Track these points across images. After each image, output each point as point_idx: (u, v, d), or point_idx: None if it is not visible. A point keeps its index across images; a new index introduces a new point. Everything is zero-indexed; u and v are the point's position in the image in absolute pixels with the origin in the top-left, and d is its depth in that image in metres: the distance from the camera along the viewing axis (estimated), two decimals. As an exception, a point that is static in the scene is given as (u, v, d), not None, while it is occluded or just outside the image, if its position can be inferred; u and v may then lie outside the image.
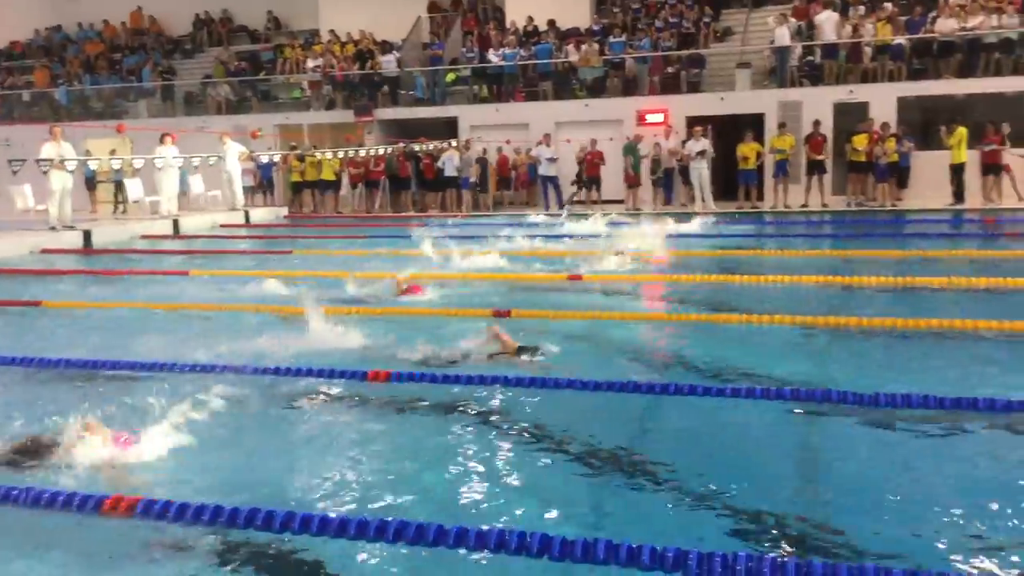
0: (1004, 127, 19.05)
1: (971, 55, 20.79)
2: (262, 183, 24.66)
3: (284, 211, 23.19)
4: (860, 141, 20.15)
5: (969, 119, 20.38)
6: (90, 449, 5.11)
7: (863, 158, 20.16)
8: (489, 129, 23.90)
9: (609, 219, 16.82)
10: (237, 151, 20.96)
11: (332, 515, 4.24)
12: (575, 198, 22.03)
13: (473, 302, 9.89)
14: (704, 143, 20.84)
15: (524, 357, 7.16)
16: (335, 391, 6.62)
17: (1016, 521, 4.16)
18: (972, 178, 19.50)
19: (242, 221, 20.79)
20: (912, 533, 4.08)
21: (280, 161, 24.02)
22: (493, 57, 25.02)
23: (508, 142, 23.35)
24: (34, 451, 5.29)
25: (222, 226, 19.95)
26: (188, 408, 5.58)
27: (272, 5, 32.81)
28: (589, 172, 22.21)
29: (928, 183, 20.11)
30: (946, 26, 20.89)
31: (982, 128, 19.54)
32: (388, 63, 26.27)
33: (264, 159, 22.86)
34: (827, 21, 21.98)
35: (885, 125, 20.20)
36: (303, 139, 25.76)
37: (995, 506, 4.29)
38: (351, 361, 7.21)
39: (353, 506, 4.52)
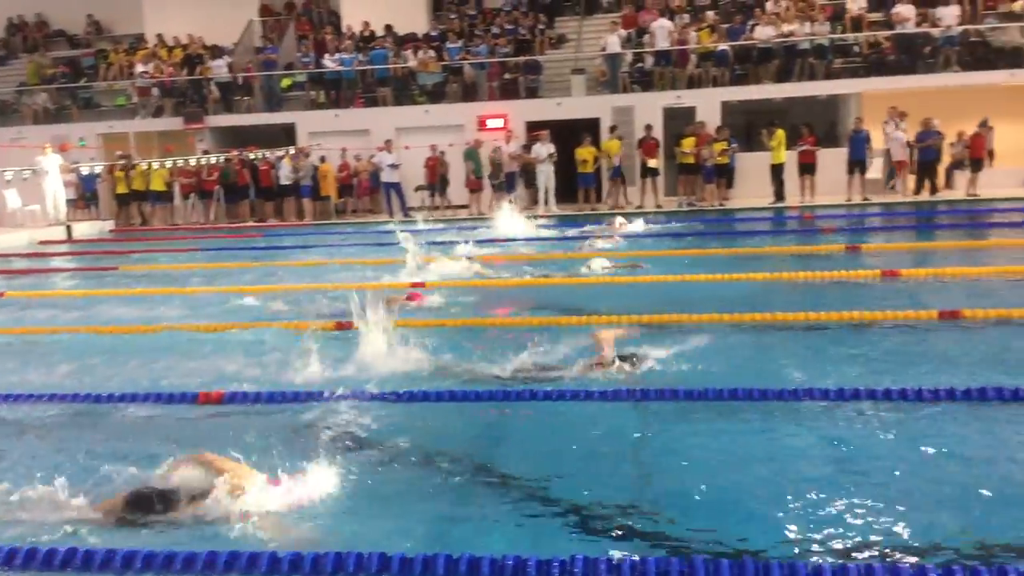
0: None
1: (787, 61, 22.04)
2: (84, 195, 23.30)
3: (110, 225, 21.99)
4: (688, 144, 21.01)
5: (787, 122, 21.65)
6: (239, 497, 4.42)
7: (692, 160, 21.03)
8: (329, 136, 23.47)
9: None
10: (58, 163, 19.76)
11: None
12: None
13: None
14: (550, 147, 21.27)
15: (625, 366, 6.70)
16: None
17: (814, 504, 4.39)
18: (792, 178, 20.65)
19: (63, 236, 19.58)
20: (745, 523, 4.22)
21: (104, 172, 22.76)
22: (329, 62, 24.59)
23: (344, 149, 22.95)
24: (149, 504, 4.50)
25: (41, 243, 18.73)
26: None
27: (92, 8, 31.05)
28: (431, 178, 22.19)
29: (752, 183, 21.17)
30: (764, 33, 22.06)
31: (799, 130, 20.77)
32: (219, 68, 25.38)
33: (85, 170, 21.60)
34: (660, 29, 22.79)
35: (720, 129, 21.12)
36: (129, 148, 24.50)
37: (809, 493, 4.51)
38: (445, 380, 6.79)
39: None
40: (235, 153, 22.88)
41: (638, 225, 16.58)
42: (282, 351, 7.92)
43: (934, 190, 20.12)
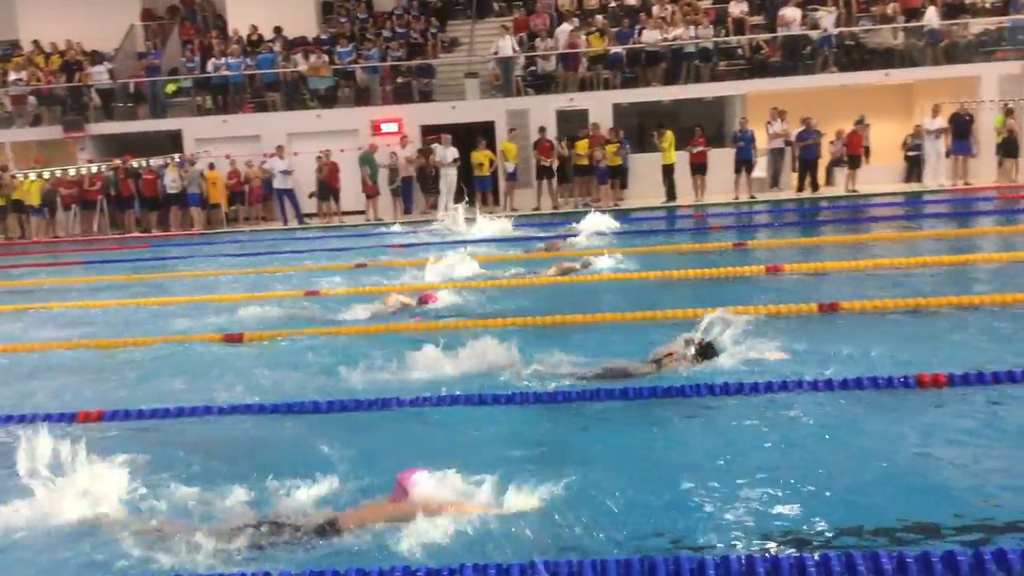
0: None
1: (675, 64, 22.55)
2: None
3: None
4: (582, 146, 21.29)
5: (676, 123, 22.17)
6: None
7: (586, 162, 21.33)
8: (217, 142, 22.85)
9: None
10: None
11: None
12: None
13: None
14: (454, 150, 21.27)
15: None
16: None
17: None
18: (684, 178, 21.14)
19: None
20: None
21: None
22: (216, 67, 23.97)
23: (228, 156, 22.40)
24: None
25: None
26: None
27: (-40, 12, 29.48)
28: (328, 183, 21.85)
29: (645, 183, 21.59)
30: (651, 37, 22.52)
31: (689, 131, 21.29)
32: (99, 74, 24.44)
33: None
34: (562, 33, 22.99)
35: (613, 131, 21.44)
36: (5, 159, 23.37)
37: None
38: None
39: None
40: (118, 162, 22.07)
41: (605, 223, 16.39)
42: (173, 365, 7.70)
43: (816, 187, 20.90)
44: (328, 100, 23.55)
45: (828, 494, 4.52)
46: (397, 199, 22.12)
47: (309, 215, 22.24)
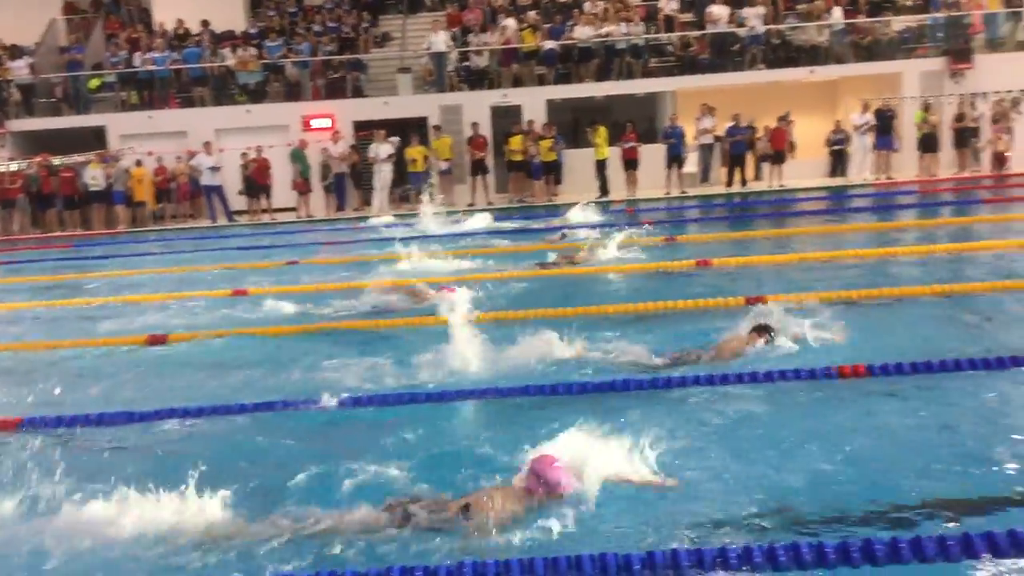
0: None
1: (607, 60, 22.71)
2: None
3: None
4: (516, 142, 21.32)
5: (609, 119, 22.34)
6: None
7: (520, 157, 21.37)
8: (143, 138, 22.31)
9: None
10: None
11: None
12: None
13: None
14: (390, 147, 21.10)
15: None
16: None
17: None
18: (617, 173, 21.32)
19: None
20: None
21: None
22: (141, 61, 23.39)
23: (150, 153, 21.90)
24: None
25: None
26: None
27: None
28: (258, 180, 21.51)
29: (579, 179, 21.72)
30: (583, 33, 22.64)
31: (622, 127, 21.46)
32: (19, 69, 23.65)
33: None
34: (508, 28, 22.93)
35: (547, 126, 21.50)
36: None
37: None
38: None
39: None
40: (39, 159, 21.41)
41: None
42: (95, 369, 7.50)
43: (744, 182, 21.26)
44: (257, 95, 23.17)
45: (744, 485, 4.59)
46: (330, 196, 21.88)
47: (239, 212, 21.86)
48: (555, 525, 4.12)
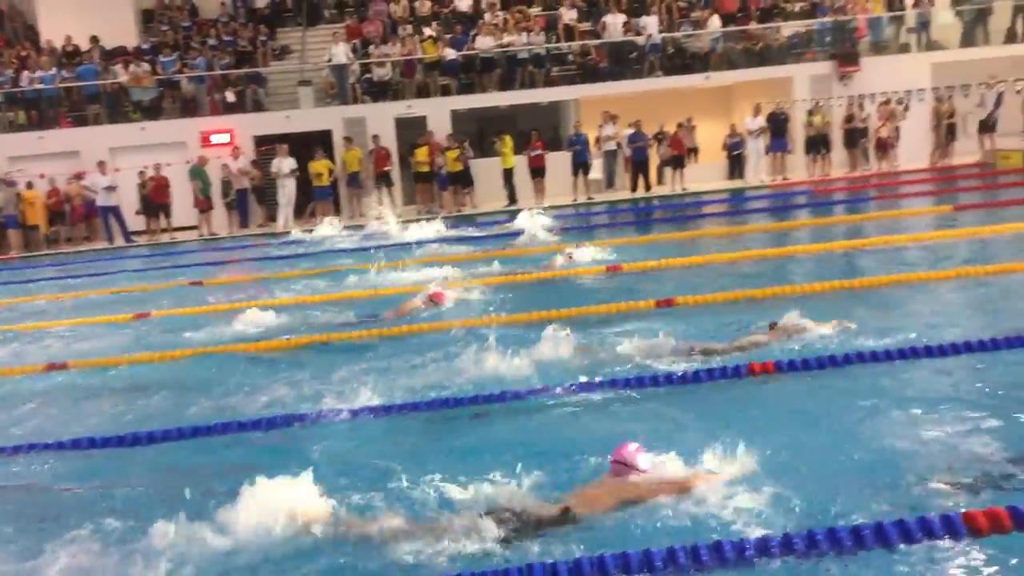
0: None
1: (509, 70, 22.87)
2: None
3: None
4: (422, 153, 21.26)
5: (514, 128, 22.48)
6: None
7: (426, 168, 21.31)
8: (33, 160, 21.41)
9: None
10: None
11: None
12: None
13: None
14: (292, 161, 20.79)
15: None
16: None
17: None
18: (524, 182, 21.45)
19: None
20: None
21: None
22: (28, 80, 22.47)
23: (42, 176, 21.08)
24: None
25: None
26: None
27: None
28: (156, 198, 20.90)
29: (487, 188, 21.78)
30: (485, 43, 22.75)
31: (527, 136, 21.62)
32: None
33: None
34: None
35: (451, 136, 21.50)
36: None
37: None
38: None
39: None
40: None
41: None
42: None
43: (648, 187, 21.66)
44: (153, 112, 22.51)
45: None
46: (232, 212, 21.40)
47: (137, 233, 21.19)
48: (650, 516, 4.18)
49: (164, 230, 21.07)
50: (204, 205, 21.02)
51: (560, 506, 4.26)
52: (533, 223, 15.48)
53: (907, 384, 5.96)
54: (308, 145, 21.36)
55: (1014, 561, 3.68)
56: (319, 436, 5.80)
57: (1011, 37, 23.41)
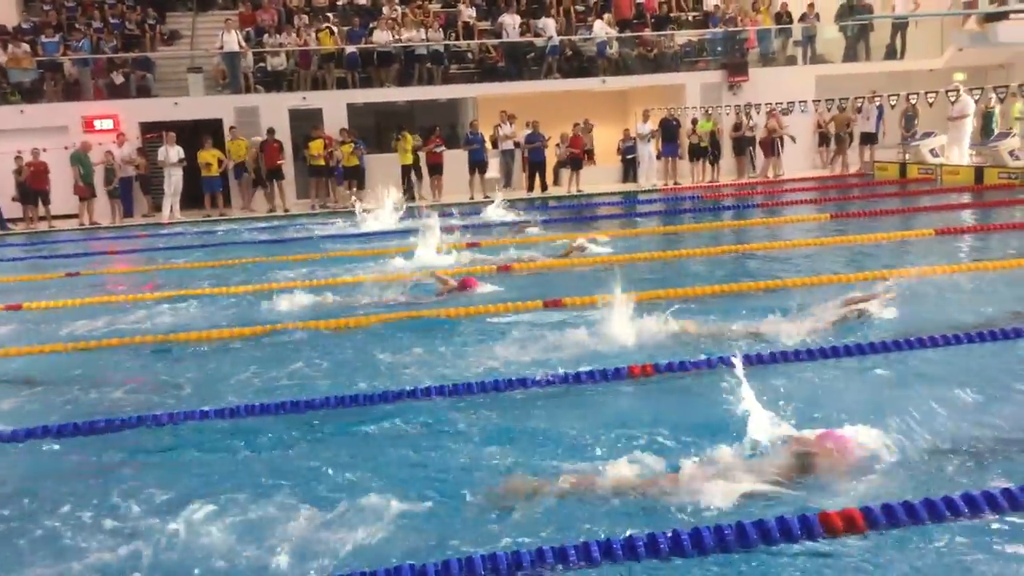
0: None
1: (408, 65, 22.72)
2: None
3: None
4: (316, 146, 20.93)
5: (412, 124, 22.35)
6: None
7: (321, 162, 20.99)
8: None
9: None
10: None
11: None
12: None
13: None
14: (179, 150, 20.14)
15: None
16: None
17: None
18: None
19: None
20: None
21: None
22: None
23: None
24: None
25: None
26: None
27: None
28: (34, 185, 19.94)
29: (384, 184, 21.53)
30: (382, 38, 22.55)
31: (425, 132, 21.52)
32: None
33: None
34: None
35: (344, 131, 21.22)
36: None
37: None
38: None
39: None
40: None
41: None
42: None
43: (544, 187, 21.87)
44: (33, 94, 21.46)
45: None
46: (115, 201, 20.60)
47: (13, 220, 20.19)
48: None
49: (43, 218, 20.14)
50: (85, 193, 20.16)
51: (798, 452, 4.58)
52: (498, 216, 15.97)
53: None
54: (197, 134, 20.76)
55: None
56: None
57: (891, 53, 24.57)
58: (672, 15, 25.22)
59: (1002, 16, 19.11)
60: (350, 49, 22.45)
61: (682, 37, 24.69)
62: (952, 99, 19.55)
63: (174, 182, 20.37)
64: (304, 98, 22.02)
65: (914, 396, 5.59)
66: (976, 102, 19.83)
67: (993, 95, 19.64)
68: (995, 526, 3.97)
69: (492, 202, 17.43)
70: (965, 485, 4.31)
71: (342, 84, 22.60)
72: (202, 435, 5.75)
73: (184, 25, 24.30)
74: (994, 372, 6.19)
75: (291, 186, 21.54)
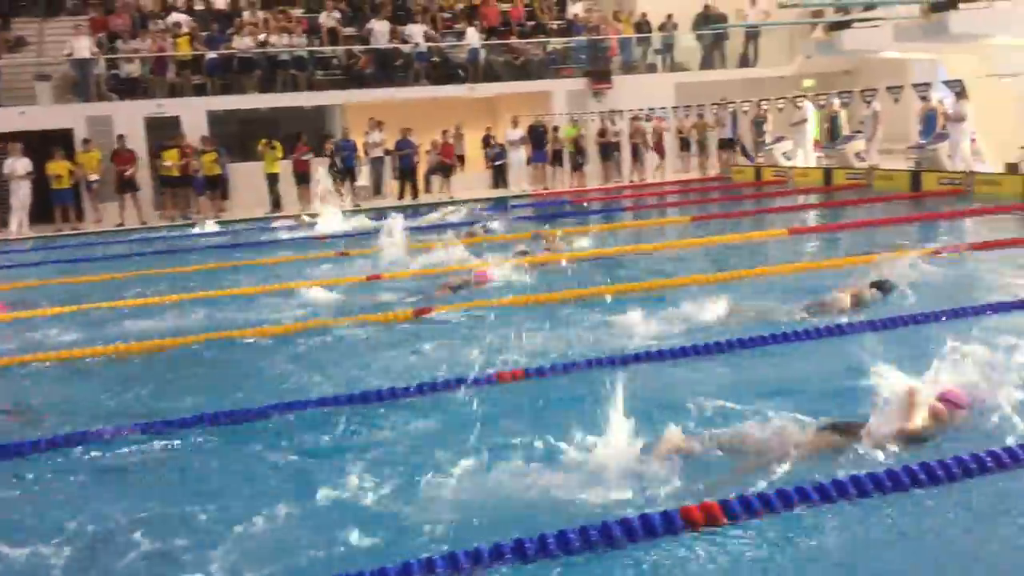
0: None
1: (271, 71, 22.21)
2: None
3: None
4: (171, 156, 20.17)
5: (278, 132, 21.84)
6: None
7: (177, 172, 20.24)
8: None
9: None
10: None
11: None
12: None
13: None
14: (26, 161, 19.05)
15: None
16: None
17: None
18: (289, 187, 20.88)
19: None
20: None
21: None
22: None
23: None
24: None
25: None
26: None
27: None
28: None
29: (248, 194, 21.02)
30: (243, 43, 21.97)
31: (291, 140, 21.07)
32: None
33: None
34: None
35: (205, 139, 20.56)
36: None
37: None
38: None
39: None
40: None
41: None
42: None
43: (415, 194, 21.77)
44: None
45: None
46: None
47: None
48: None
49: None
50: (-79, 208, 18.84)
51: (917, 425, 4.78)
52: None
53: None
54: (46, 144, 19.68)
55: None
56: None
57: (744, 61, 25.63)
58: (538, 24, 25.56)
59: (846, 25, 20.24)
60: (211, 55, 21.77)
61: (548, 45, 25.04)
62: (799, 105, 20.64)
63: (21, 195, 19.26)
64: (160, 105, 21.21)
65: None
66: (822, 107, 20.94)
67: (837, 100, 20.75)
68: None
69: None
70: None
71: (201, 91, 21.89)
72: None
73: (31, 31, 22.99)
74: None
75: (147, 198, 20.66)
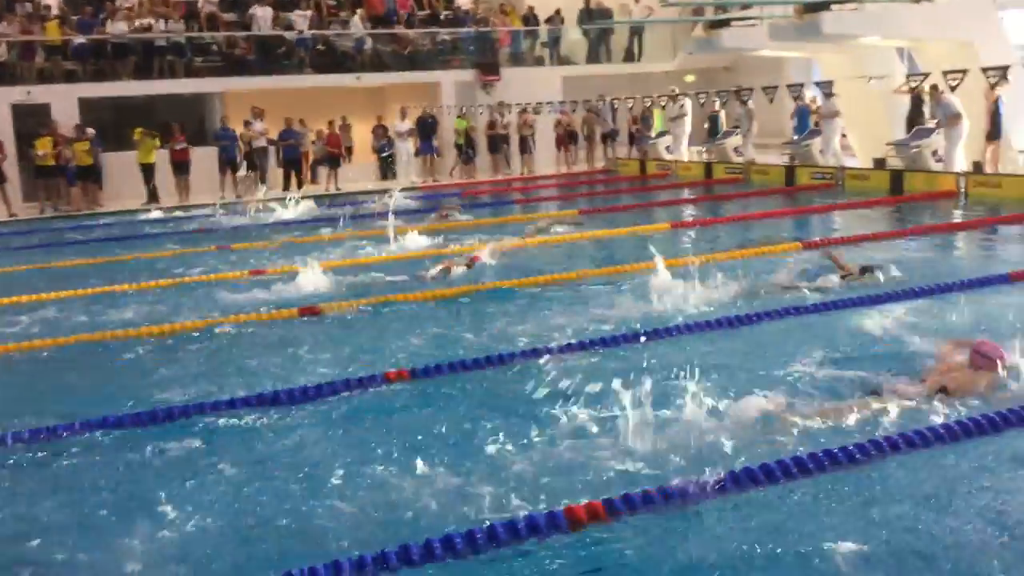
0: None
1: (146, 57, 21.35)
2: None
3: None
4: (44, 144, 19.20)
5: (154, 120, 21.02)
6: None
7: (51, 162, 19.28)
8: None
9: None
10: None
11: None
12: None
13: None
14: None
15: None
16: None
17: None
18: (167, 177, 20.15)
19: None
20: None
21: None
22: None
23: None
24: None
25: None
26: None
27: None
28: None
29: (123, 184, 20.20)
30: (117, 28, 21.06)
31: (168, 128, 20.32)
32: None
33: None
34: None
35: (77, 128, 19.64)
36: None
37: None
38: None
39: None
40: None
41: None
42: None
43: (301, 185, 21.33)
44: None
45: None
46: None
47: None
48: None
49: None
50: None
51: (934, 388, 5.21)
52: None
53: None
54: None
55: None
56: None
57: (629, 57, 26.11)
58: (425, 13, 25.38)
59: (726, 23, 20.85)
60: (79, 39, 20.77)
61: (437, 36, 24.89)
62: (680, 102, 21.20)
63: None
64: (29, 92, 20.14)
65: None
66: (702, 105, 21.59)
67: (717, 98, 21.41)
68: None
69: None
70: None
71: (73, 77, 20.88)
72: None
73: None
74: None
75: (16, 189, 19.61)
